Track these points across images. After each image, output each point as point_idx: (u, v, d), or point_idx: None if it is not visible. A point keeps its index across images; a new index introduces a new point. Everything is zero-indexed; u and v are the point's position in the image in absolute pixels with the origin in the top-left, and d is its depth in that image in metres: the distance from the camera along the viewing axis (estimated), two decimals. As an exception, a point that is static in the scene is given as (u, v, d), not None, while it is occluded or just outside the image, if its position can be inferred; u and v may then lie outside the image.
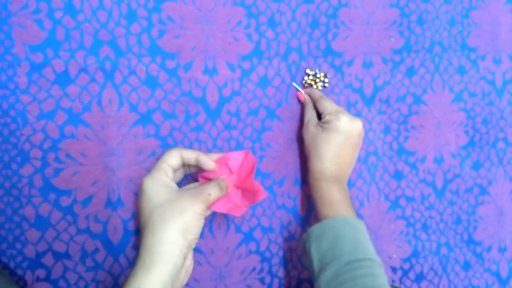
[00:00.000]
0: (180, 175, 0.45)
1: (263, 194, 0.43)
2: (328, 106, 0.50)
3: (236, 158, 0.44)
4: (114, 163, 0.49)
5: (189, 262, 0.42)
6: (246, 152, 0.44)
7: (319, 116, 0.51)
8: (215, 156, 0.44)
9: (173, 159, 0.42)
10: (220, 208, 0.43)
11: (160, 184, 0.41)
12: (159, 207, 0.39)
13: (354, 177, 0.55)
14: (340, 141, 0.48)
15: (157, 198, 0.40)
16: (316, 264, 0.43)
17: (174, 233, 0.38)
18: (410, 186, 0.57)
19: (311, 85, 0.53)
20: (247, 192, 0.44)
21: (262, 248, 0.53)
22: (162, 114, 0.50)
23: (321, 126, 0.49)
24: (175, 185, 0.42)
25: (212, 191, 0.41)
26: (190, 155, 0.43)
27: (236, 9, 0.52)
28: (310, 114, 0.52)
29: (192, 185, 0.44)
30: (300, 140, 0.53)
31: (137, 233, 0.50)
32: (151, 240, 0.38)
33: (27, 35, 0.47)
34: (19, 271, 0.48)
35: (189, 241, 0.39)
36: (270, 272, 0.53)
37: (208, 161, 0.43)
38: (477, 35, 0.58)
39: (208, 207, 0.42)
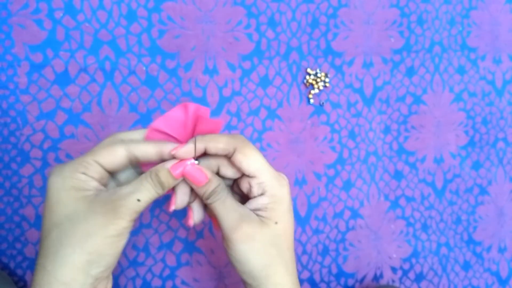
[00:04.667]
0: (128, 176, 0.33)
1: (219, 123, 0.32)
2: (255, 164, 0.32)
3: (175, 119, 0.30)
4: (114, 163, 0.49)
5: None
6: (184, 106, 0.30)
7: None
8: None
9: (110, 156, 0.29)
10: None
11: (69, 186, 0.28)
12: (58, 226, 0.28)
13: (354, 177, 0.55)
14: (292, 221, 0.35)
15: (60, 210, 0.28)
16: None
17: (70, 271, 0.27)
18: (410, 186, 0.57)
19: (312, 85, 0.53)
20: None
21: (262, 248, 0.53)
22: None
23: (263, 218, 0.33)
24: (94, 189, 0.29)
25: (143, 194, 0.29)
26: (148, 150, 0.30)
27: (236, 9, 0.52)
28: (233, 207, 0.33)
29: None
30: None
31: (137, 232, 0.49)
32: (40, 277, 0.28)
33: (27, 35, 0.47)
34: (19, 271, 0.48)
35: (94, 276, 0.28)
36: (270, 272, 0.53)
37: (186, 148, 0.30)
38: (477, 35, 0.58)
39: (139, 213, 0.29)
